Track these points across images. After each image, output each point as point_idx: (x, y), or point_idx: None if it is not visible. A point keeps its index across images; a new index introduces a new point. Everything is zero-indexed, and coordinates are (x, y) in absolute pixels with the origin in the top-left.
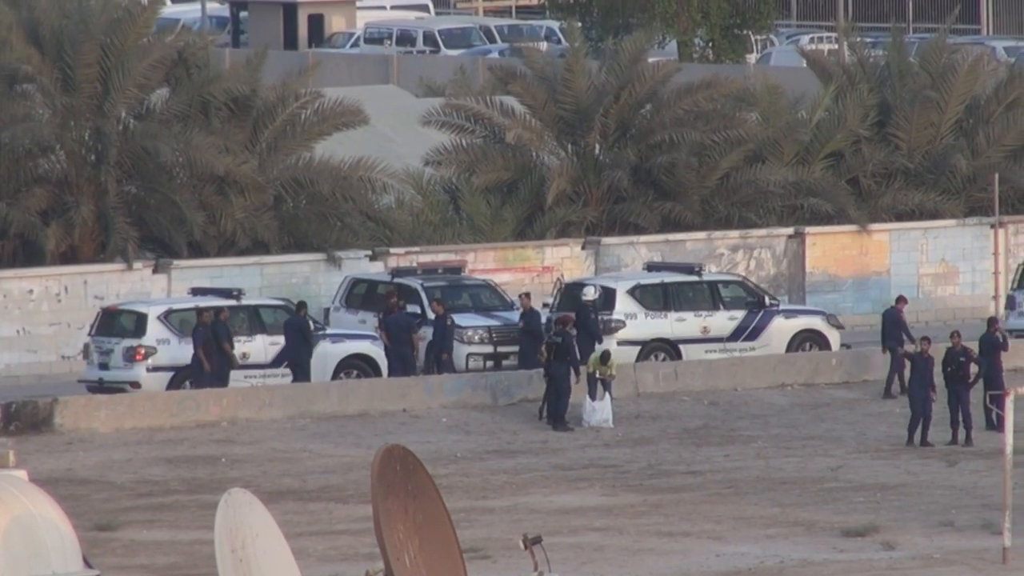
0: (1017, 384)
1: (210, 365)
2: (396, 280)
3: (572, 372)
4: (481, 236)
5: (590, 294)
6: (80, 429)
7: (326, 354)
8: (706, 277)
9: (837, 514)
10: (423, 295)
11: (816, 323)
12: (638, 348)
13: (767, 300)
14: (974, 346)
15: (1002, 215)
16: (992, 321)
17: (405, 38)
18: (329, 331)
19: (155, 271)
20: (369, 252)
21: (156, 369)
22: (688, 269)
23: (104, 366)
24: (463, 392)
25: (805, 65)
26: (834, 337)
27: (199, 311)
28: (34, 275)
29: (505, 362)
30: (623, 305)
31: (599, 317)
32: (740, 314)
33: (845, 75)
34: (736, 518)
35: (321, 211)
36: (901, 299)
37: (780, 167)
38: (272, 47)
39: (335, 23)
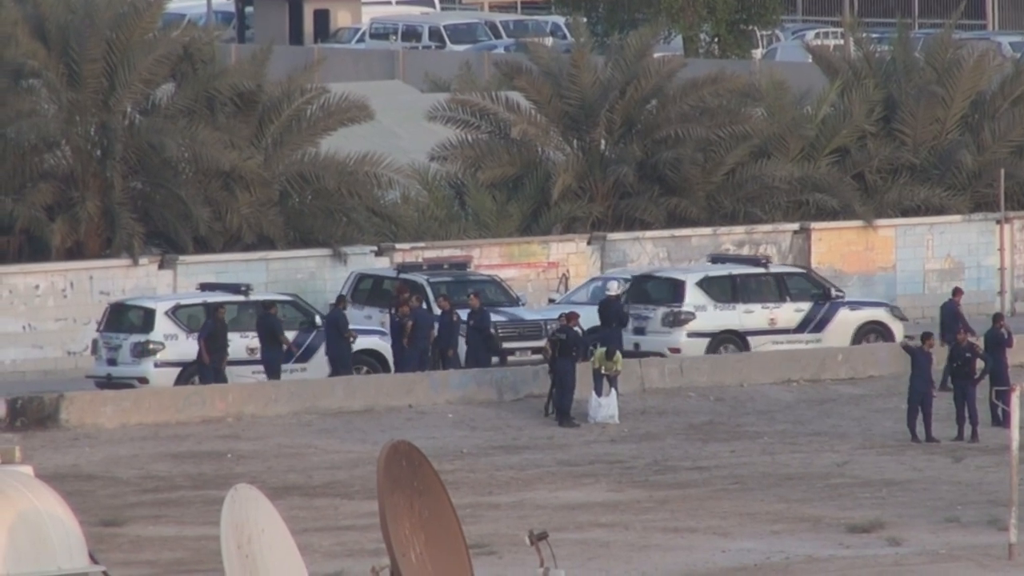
0: (1023, 380)
1: (209, 359)
2: (402, 276)
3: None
4: (487, 231)
5: (614, 288)
6: (86, 425)
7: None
8: (772, 269)
9: (843, 510)
10: (429, 291)
11: (880, 315)
12: (707, 340)
13: (832, 292)
14: (980, 342)
15: (1008, 211)
16: (997, 317)
17: (411, 33)
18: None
19: (161, 266)
20: (375, 247)
21: (164, 365)
22: (755, 261)
23: (112, 362)
24: (469, 388)
25: (810, 60)
26: (898, 328)
27: (209, 307)
28: (40, 270)
29: (511, 358)
30: (693, 297)
31: (673, 310)
32: (806, 306)
33: (851, 70)
34: (742, 514)
35: (327, 206)
36: (958, 291)
37: (786, 163)
38: (278, 42)
39: (341, 18)
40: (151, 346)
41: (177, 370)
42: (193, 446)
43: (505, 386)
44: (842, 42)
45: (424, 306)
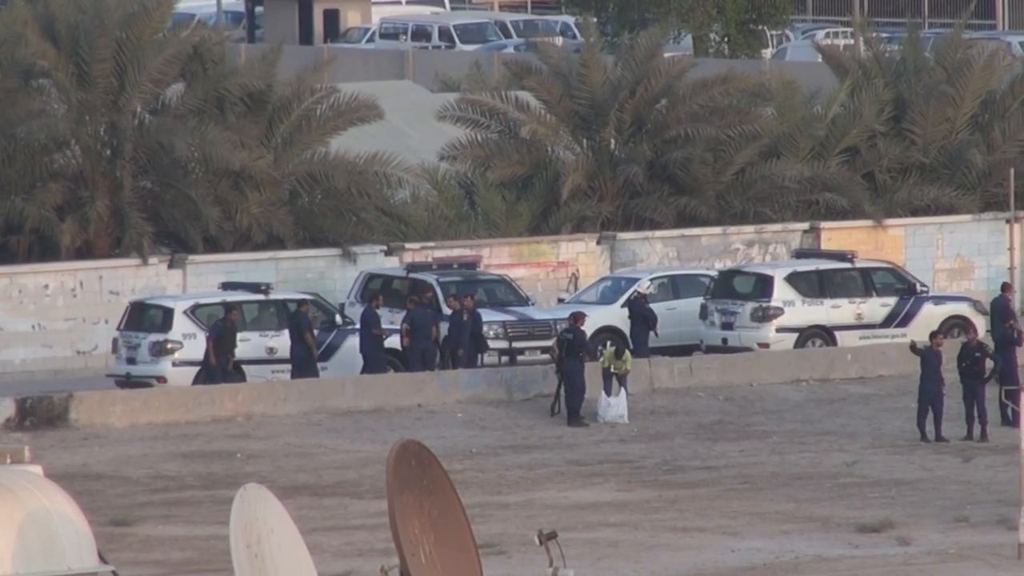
0: None
1: (218, 361)
2: (411, 275)
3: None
4: (496, 231)
5: (644, 287)
6: (95, 424)
7: (356, 347)
8: (858, 264)
9: (852, 509)
10: (438, 290)
11: (963, 309)
12: (795, 335)
13: (917, 287)
14: (989, 342)
15: (1018, 210)
16: (1006, 318)
17: (420, 33)
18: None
19: (170, 266)
20: (384, 247)
21: (182, 364)
22: (840, 256)
23: (131, 360)
24: (478, 387)
25: (820, 60)
26: (980, 323)
27: (227, 306)
28: (49, 270)
29: (521, 357)
30: (781, 292)
31: (762, 305)
32: (892, 300)
33: (860, 70)
34: (751, 513)
35: (336, 206)
36: (1007, 286)
37: (795, 162)
38: (287, 42)
39: (351, 18)
40: (169, 345)
41: (195, 369)
42: (203, 445)
43: (515, 386)
44: (852, 42)
45: (433, 305)
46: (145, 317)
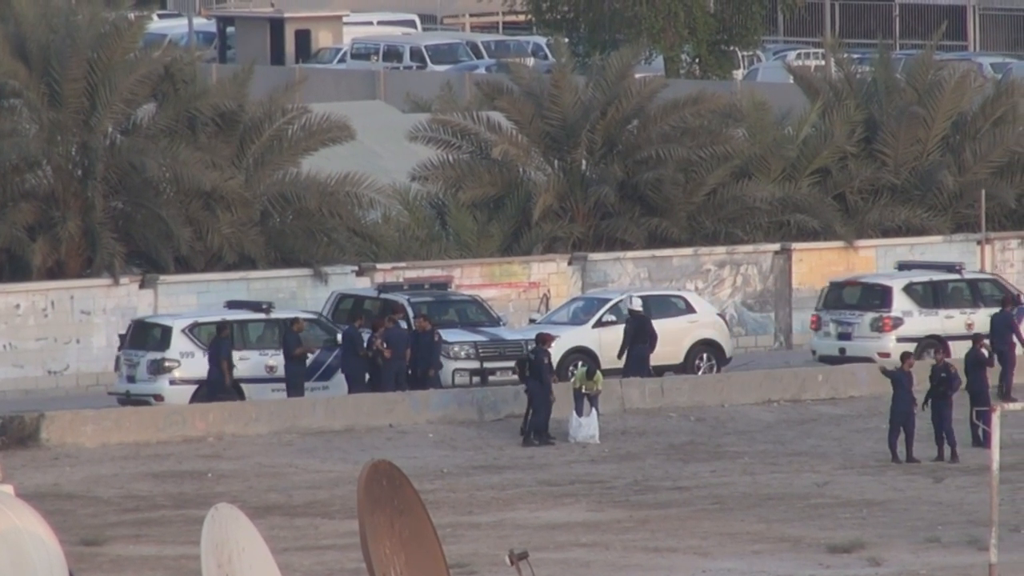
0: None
1: (221, 378)
2: (383, 296)
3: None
4: (468, 251)
5: (638, 304)
6: (67, 444)
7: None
8: (966, 275)
9: (823, 530)
10: (409, 311)
11: None
12: (914, 345)
13: (1021, 297)
14: (959, 363)
15: (989, 231)
16: (977, 338)
17: (392, 53)
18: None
19: (142, 286)
20: (356, 267)
21: (179, 382)
22: (949, 267)
23: (131, 379)
24: (449, 407)
25: (792, 81)
26: None
27: (219, 325)
28: (21, 290)
29: (492, 378)
30: (900, 303)
31: (882, 315)
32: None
33: (832, 91)
34: (722, 534)
35: (308, 226)
36: (1007, 300)
37: (767, 183)
38: (259, 62)
39: (322, 38)
40: (167, 363)
41: (192, 387)
42: (174, 465)
43: (486, 406)
44: (823, 63)
45: (404, 326)
46: (145, 335)
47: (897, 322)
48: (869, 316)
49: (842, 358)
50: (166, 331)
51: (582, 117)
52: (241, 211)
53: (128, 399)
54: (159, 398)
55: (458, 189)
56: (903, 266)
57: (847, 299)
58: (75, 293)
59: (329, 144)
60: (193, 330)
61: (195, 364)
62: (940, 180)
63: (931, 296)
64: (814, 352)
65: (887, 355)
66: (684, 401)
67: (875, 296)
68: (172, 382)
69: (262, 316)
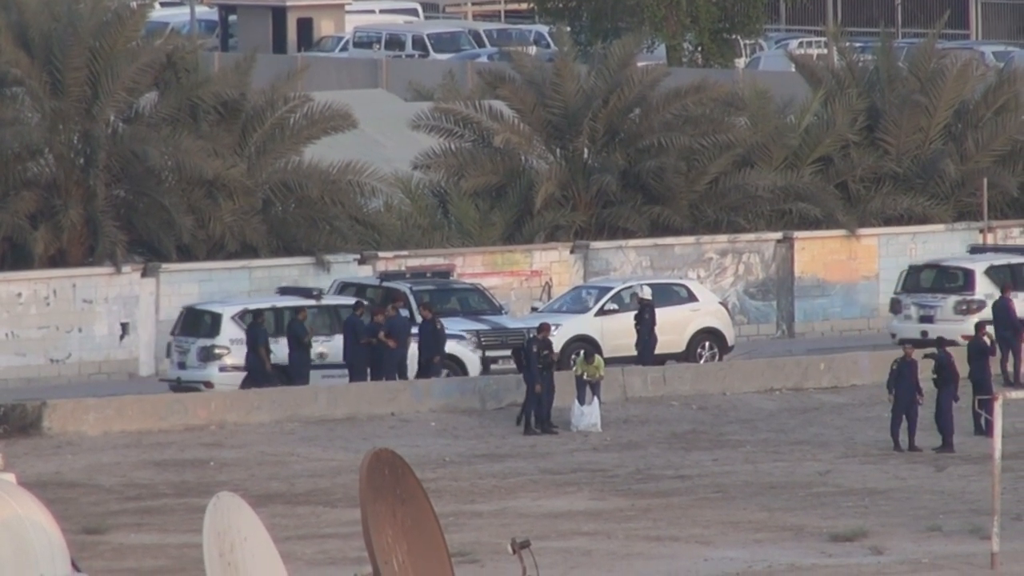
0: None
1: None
2: (385, 284)
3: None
4: (470, 240)
5: (647, 293)
6: (68, 432)
7: (412, 354)
8: None
9: (825, 519)
10: (412, 299)
11: None
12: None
13: None
14: (961, 352)
15: (991, 220)
16: (980, 326)
17: (394, 42)
18: (415, 331)
19: (144, 274)
20: (358, 256)
21: (229, 369)
22: (1021, 251)
23: (182, 365)
24: (451, 396)
25: (794, 69)
26: None
27: (254, 312)
28: (23, 278)
29: (494, 366)
30: (983, 286)
31: (966, 298)
32: None
33: (834, 80)
34: (724, 522)
35: (310, 215)
36: (1007, 287)
37: (769, 172)
38: (261, 51)
39: (324, 27)
40: (216, 350)
41: (242, 374)
42: (176, 454)
43: (488, 395)
44: (825, 51)
45: (406, 314)
46: (196, 322)
47: (980, 305)
48: (952, 299)
49: (924, 341)
50: (216, 318)
51: (584, 105)
52: (243, 199)
53: (179, 386)
54: (209, 385)
55: (460, 177)
56: (975, 249)
57: (927, 282)
58: (77, 281)
59: (331, 132)
60: (243, 317)
61: (245, 351)
62: (942, 169)
63: (1011, 279)
64: (893, 335)
65: (969, 338)
66: (686, 389)
67: (957, 279)
68: (222, 369)
69: (312, 302)
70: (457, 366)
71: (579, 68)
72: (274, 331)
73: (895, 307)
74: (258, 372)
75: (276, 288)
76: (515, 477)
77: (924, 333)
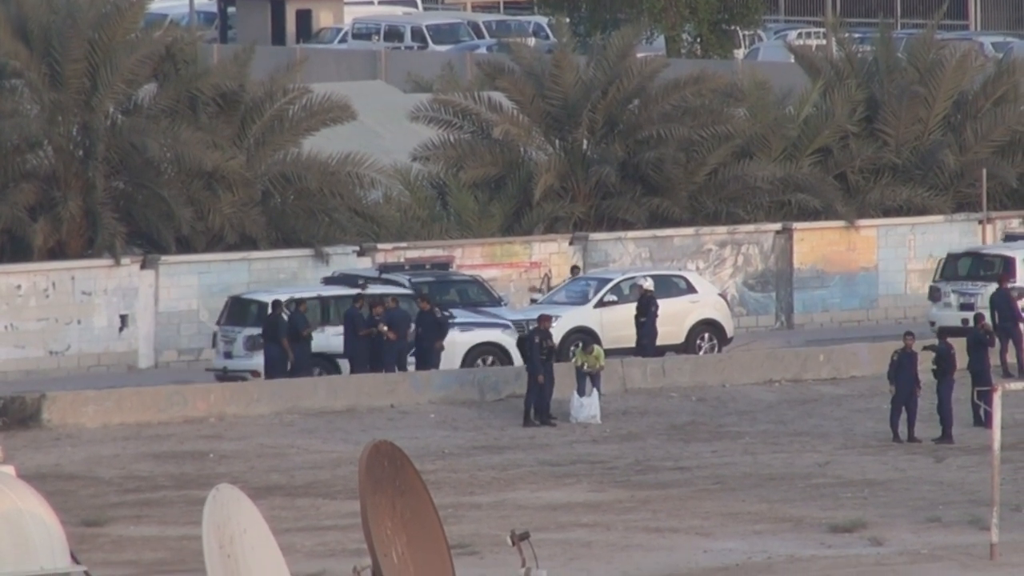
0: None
1: (293, 353)
2: (384, 276)
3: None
4: (469, 231)
5: (649, 284)
6: (68, 425)
7: (455, 342)
8: None
9: (824, 510)
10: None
11: None
12: None
13: None
14: (961, 343)
15: (990, 211)
16: (979, 318)
17: (393, 33)
18: (459, 319)
19: (143, 266)
20: (357, 248)
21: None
22: None
23: (228, 355)
24: (451, 388)
25: (793, 60)
26: None
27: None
28: (22, 270)
29: (492, 358)
30: (1023, 274)
31: (963, 288)
32: None
33: (833, 70)
34: (724, 514)
35: (309, 206)
36: (1005, 277)
37: (768, 163)
38: (260, 42)
39: (323, 18)
40: (262, 340)
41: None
42: (175, 446)
43: (487, 386)
44: (824, 42)
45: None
46: (242, 311)
47: (1021, 292)
48: (993, 287)
49: (963, 329)
50: (262, 307)
51: (583, 97)
52: (242, 191)
53: (225, 375)
54: (256, 374)
55: (459, 169)
56: (1010, 237)
57: (966, 270)
58: (76, 274)
59: (330, 124)
60: (289, 306)
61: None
62: (941, 159)
63: None
64: (932, 323)
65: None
66: (685, 381)
67: (995, 267)
68: None
69: (357, 291)
70: (502, 354)
71: (578, 59)
72: (320, 320)
73: (934, 295)
74: (279, 363)
75: (321, 278)
76: (514, 469)
77: (965, 321)
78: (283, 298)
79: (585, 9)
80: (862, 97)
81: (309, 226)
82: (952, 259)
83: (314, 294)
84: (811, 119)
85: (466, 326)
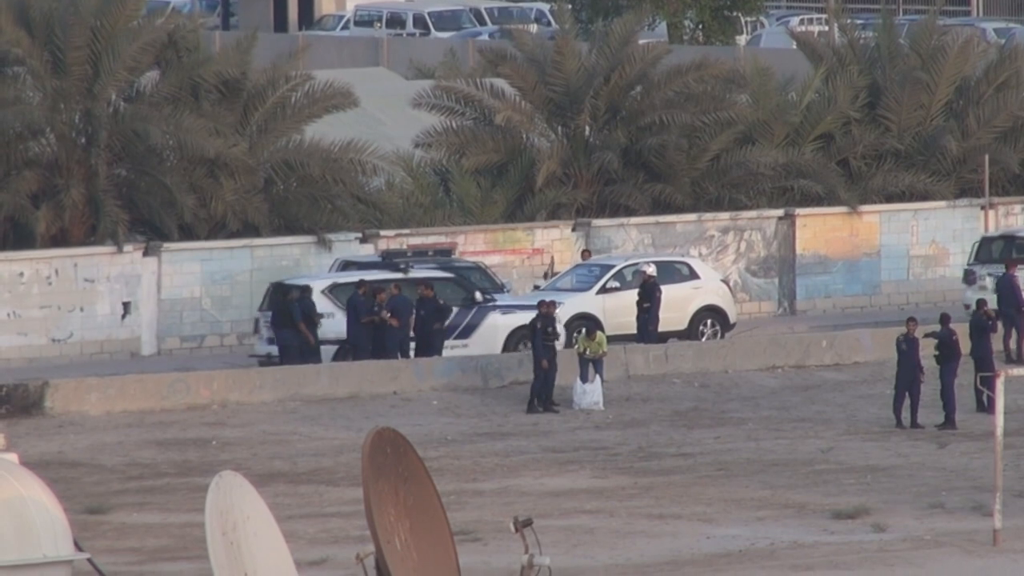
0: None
1: (312, 338)
2: (386, 262)
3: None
4: (471, 218)
5: (652, 269)
6: (71, 412)
7: (496, 325)
8: None
9: (827, 496)
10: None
11: None
12: None
13: None
14: (964, 328)
15: (992, 196)
16: (981, 303)
17: (395, 20)
18: (500, 302)
19: (145, 254)
20: (359, 234)
21: (320, 342)
22: None
23: (271, 340)
24: (454, 375)
25: (795, 47)
26: None
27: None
28: (24, 258)
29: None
30: None
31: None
32: None
33: (835, 57)
34: (727, 500)
35: (311, 193)
36: (1012, 263)
37: (770, 149)
38: (262, 30)
39: (325, 5)
40: (272, 324)
41: (334, 348)
42: (178, 433)
43: (490, 373)
44: (827, 28)
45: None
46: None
47: None
48: None
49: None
50: (305, 291)
51: (585, 83)
52: (245, 178)
53: (269, 361)
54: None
55: (462, 156)
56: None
57: (1000, 253)
58: (79, 261)
59: (332, 111)
60: (333, 290)
61: (335, 324)
62: (943, 145)
63: None
64: (967, 306)
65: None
66: (688, 367)
67: None
68: None
69: (400, 276)
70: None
71: (580, 46)
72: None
73: (969, 278)
74: (293, 348)
75: (364, 256)
76: (517, 455)
77: (967, 306)
78: (338, 283)
79: None
80: (864, 83)
81: (312, 213)
82: (987, 242)
83: (356, 279)
84: (813, 105)
85: (507, 309)
